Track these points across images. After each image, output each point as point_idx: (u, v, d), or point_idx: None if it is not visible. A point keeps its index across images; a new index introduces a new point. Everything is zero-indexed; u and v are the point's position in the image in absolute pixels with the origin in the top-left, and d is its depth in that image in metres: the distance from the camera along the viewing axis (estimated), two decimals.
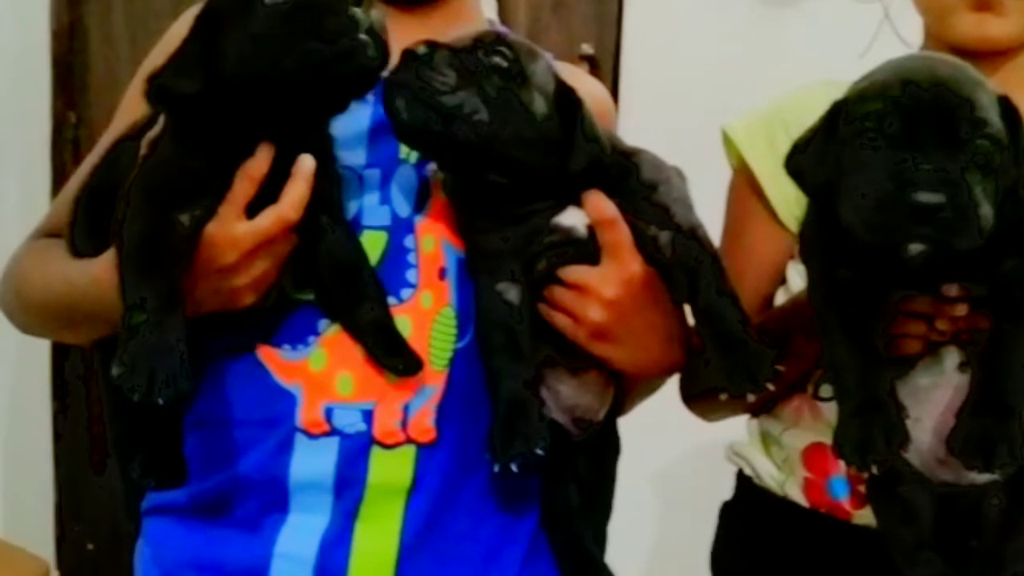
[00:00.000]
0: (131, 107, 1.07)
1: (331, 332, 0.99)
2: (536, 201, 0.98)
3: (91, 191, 1.04)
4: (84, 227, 1.04)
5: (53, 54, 2.27)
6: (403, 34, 0.96)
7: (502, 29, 1.19)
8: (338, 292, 0.98)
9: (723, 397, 0.94)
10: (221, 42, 0.89)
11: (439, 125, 0.93)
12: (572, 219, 0.98)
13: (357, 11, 0.88)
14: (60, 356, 2.24)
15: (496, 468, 0.94)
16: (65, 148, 2.29)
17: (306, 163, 0.92)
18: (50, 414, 2.32)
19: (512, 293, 0.98)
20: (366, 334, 0.98)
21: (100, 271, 0.94)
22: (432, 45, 0.95)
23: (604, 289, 0.98)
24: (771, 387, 0.94)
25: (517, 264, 0.98)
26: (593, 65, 2.21)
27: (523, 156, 0.95)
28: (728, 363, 0.94)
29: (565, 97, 0.98)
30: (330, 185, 0.97)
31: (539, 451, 0.94)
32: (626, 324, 0.99)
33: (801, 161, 0.95)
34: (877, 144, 0.86)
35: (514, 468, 0.93)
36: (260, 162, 0.91)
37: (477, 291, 1.00)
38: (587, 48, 2.34)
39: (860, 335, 0.94)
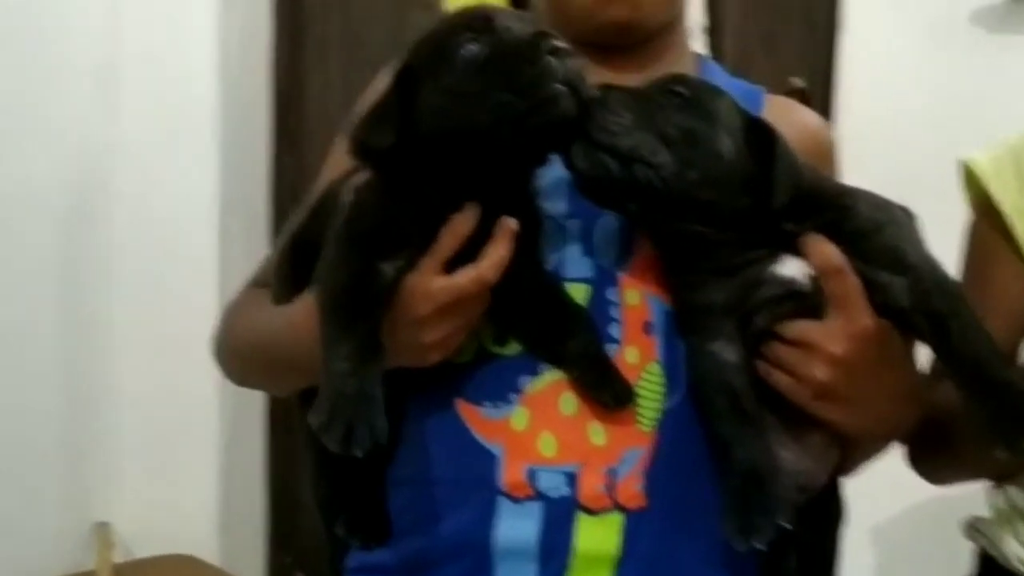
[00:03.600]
0: (338, 158, 1.07)
1: (533, 390, 0.95)
2: (748, 250, 0.91)
3: (295, 241, 1.05)
4: (287, 277, 1.05)
5: (273, 99, 2.38)
6: (605, 79, 0.92)
7: (710, 64, 1.15)
8: (544, 325, 0.95)
9: (999, 454, 0.83)
10: (417, 96, 0.88)
11: (618, 170, 0.87)
12: (791, 269, 0.91)
13: (552, 60, 0.85)
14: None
15: (742, 548, 0.87)
16: (284, 192, 2.40)
17: (509, 225, 0.89)
18: (264, 445, 2.41)
19: (730, 353, 0.91)
20: (574, 364, 0.94)
21: (297, 316, 0.95)
22: (607, 88, 0.90)
23: (831, 346, 0.89)
24: None
25: (732, 320, 0.91)
26: (804, 99, 2.11)
27: (715, 198, 0.88)
28: (997, 412, 0.83)
29: (757, 131, 0.90)
30: (532, 238, 0.94)
31: (784, 524, 0.87)
32: (855, 384, 0.91)
33: None
34: None
35: (759, 546, 0.86)
36: (467, 219, 0.89)
37: (690, 351, 0.94)
38: (798, 81, 2.26)
39: None
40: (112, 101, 2.15)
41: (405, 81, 0.89)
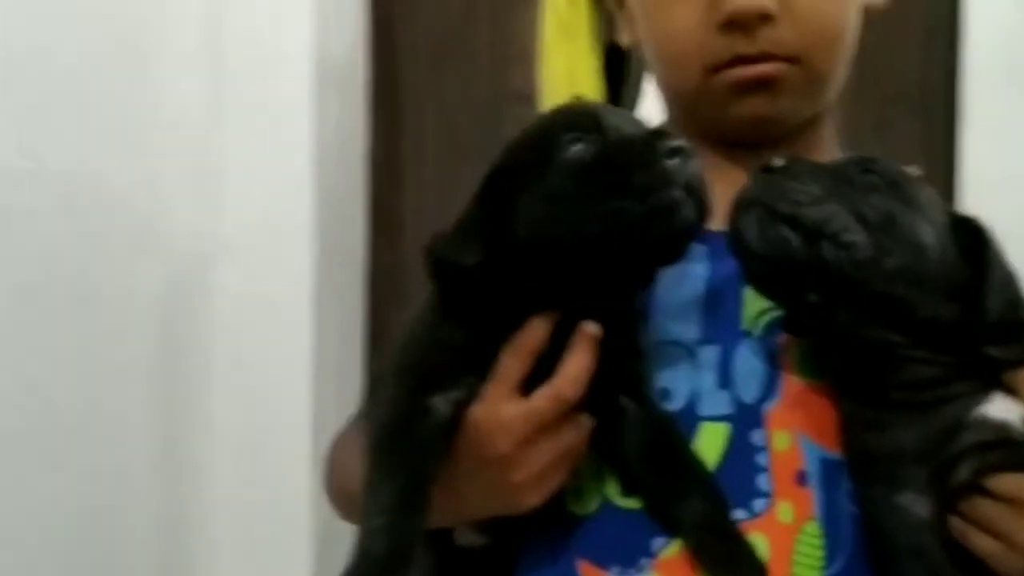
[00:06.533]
0: None
1: (669, 554, 0.81)
2: (948, 381, 0.76)
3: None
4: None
5: (369, 193, 2.35)
6: (734, 184, 0.81)
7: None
8: (652, 484, 0.81)
9: None
10: (512, 203, 0.77)
11: (800, 247, 0.74)
12: (1003, 410, 0.76)
13: (672, 163, 0.73)
14: None
15: None
16: (380, 287, 2.35)
17: (587, 330, 0.77)
18: None
19: (922, 508, 0.76)
20: (690, 538, 0.80)
21: None
22: (791, 157, 0.78)
23: None
24: None
25: (925, 470, 0.77)
26: None
27: (913, 297, 0.75)
28: None
29: (965, 228, 0.78)
30: (632, 360, 0.82)
31: None
32: None
33: None
34: None
35: None
36: (533, 334, 0.78)
37: (869, 505, 0.79)
38: (915, 170, 2.12)
39: None
40: (211, 197, 2.14)
41: (496, 186, 0.79)
